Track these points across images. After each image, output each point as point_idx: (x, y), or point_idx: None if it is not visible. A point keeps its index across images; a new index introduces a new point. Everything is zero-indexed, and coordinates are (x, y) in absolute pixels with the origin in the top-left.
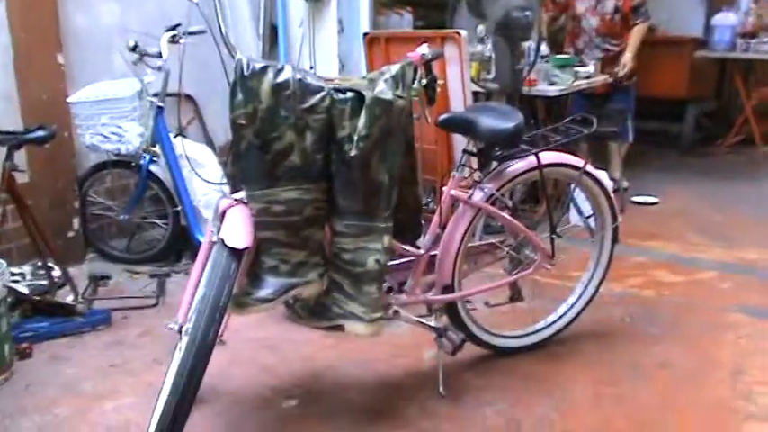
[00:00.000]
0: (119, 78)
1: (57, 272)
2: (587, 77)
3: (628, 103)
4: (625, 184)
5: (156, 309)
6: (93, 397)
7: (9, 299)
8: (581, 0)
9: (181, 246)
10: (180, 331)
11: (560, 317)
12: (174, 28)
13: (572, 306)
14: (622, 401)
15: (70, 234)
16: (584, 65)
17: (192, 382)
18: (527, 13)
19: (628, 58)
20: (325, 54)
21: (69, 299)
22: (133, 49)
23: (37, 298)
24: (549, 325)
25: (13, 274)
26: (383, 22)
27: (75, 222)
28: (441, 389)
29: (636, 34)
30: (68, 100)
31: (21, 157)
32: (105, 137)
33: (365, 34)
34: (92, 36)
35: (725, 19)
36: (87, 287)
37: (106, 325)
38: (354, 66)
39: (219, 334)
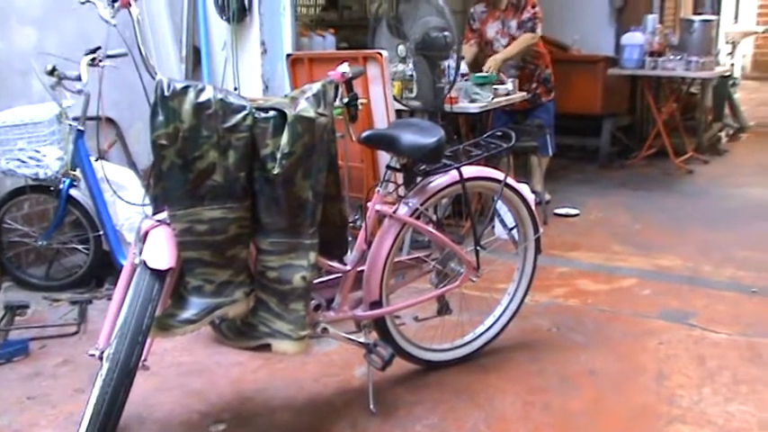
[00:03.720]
0: (37, 103)
1: None
2: (506, 94)
3: (547, 119)
4: (547, 196)
5: (77, 337)
6: None
7: None
8: (490, 26)
9: (103, 271)
10: (101, 358)
11: (488, 328)
12: (93, 51)
13: (499, 317)
14: (551, 410)
15: None
16: (502, 82)
17: (114, 410)
18: (445, 33)
19: (493, 59)
20: (249, 75)
21: None
22: (51, 73)
23: None
24: (478, 337)
25: None
26: (306, 43)
27: None
28: (371, 406)
29: (516, 42)
30: None
31: None
32: (22, 161)
33: (288, 55)
34: (8, 60)
35: (633, 38)
36: (3, 317)
37: (23, 356)
38: (278, 86)
39: (143, 359)
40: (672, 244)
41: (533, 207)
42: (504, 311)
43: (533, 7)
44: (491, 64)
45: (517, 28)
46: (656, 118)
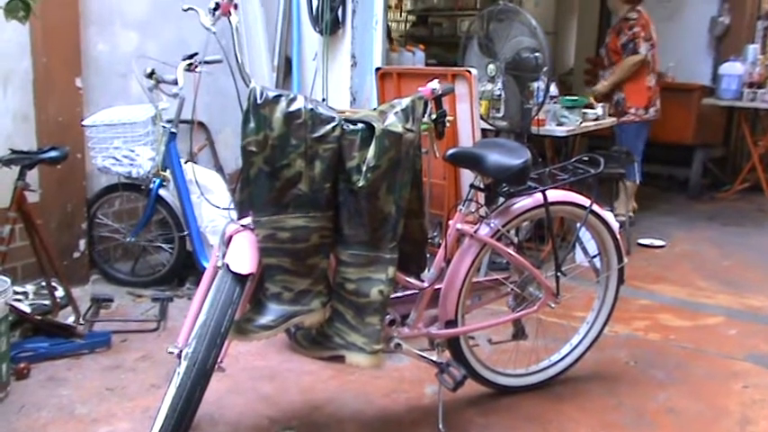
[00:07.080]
0: (134, 104)
1: (60, 292)
2: (595, 119)
3: (624, 142)
4: (631, 213)
5: (156, 333)
6: (88, 421)
7: (10, 318)
8: (608, 34)
9: (185, 271)
10: (180, 356)
11: (564, 357)
12: (190, 57)
13: (576, 346)
14: None
15: (76, 255)
16: (592, 107)
17: (189, 408)
18: (536, 54)
19: (600, 85)
20: (338, 86)
21: (71, 320)
22: (150, 76)
23: (38, 318)
24: (553, 365)
25: (15, 293)
26: (396, 58)
27: (82, 244)
28: (440, 426)
29: (620, 66)
30: (83, 123)
31: (33, 176)
32: (117, 160)
33: (377, 69)
34: (111, 62)
35: (732, 68)
36: (89, 309)
37: (106, 348)
38: (366, 99)
39: (219, 360)
40: (763, 283)
41: (618, 236)
42: (581, 340)
43: (630, 29)
44: (598, 90)
45: (606, 52)
46: (751, 151)
